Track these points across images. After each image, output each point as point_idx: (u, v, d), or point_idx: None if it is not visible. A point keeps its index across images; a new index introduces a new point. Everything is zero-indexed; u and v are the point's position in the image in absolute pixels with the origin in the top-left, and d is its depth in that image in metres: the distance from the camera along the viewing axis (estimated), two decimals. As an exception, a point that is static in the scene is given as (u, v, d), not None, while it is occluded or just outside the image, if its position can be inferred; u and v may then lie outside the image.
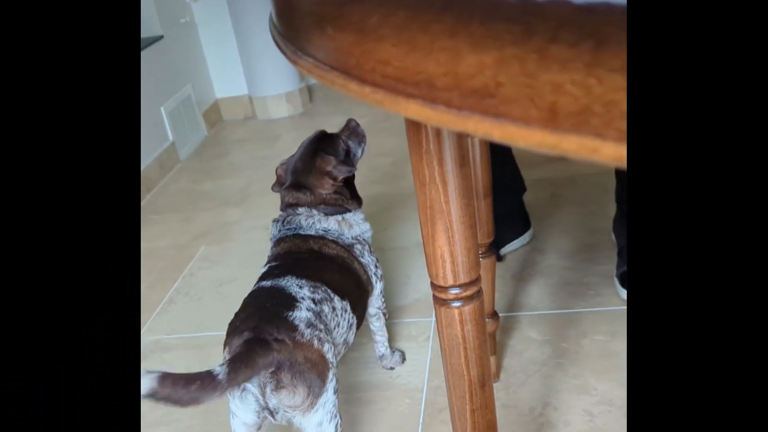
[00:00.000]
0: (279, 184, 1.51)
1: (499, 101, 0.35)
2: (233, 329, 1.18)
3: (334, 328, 1.27)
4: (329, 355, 1.19)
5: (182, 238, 2.38)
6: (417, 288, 1.87)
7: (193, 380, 1.03)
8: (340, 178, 1.44)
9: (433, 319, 1.61)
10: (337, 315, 1.29)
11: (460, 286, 0.83)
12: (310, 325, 1.18)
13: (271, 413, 1.16)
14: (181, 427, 1.53)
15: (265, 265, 1.40)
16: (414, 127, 0.74)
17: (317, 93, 3.63)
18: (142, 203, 2.69)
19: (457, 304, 0.84)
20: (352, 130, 1.55)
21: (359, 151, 1.55)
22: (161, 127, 2.93)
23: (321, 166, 1.44)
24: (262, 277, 1.34)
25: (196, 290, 2.05)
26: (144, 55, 2.85)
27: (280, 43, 0.61)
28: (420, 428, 1.42)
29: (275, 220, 1.49)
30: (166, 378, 0.98)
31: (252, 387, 1.11)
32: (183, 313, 1.95)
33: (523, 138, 0.34)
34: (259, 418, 1.16)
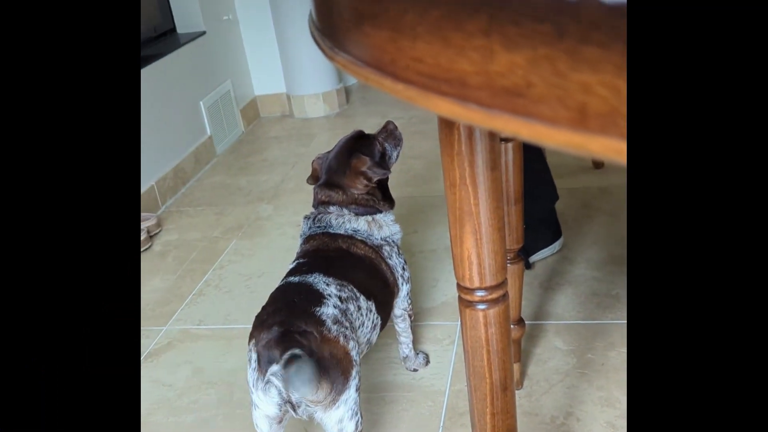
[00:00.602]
0: (313, 178, 1.53)
1: (529, 101, 0.36)
2: (260, 323, 1.19)
3: (359, 327, 1.28)
4: (353, 353, 1.20)
5: (214, 231, 2.41)
6: (444, 291, 1.87)
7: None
8: (375, 179, 1.45)
9: (459, 323, 1.61)
10: (362, 314, 1.30)
11: (486, 288, 0.83)
12: (336, 321, 1.19)
13: (293, 407, 1.17)
14: (205, 415, 1.56)
15: (294, 261, 1.41)
16: (446, 129, 0.75)
17: (354, 94, 3.65)
18: (178, 195, 2.74)
19: (482, 306, 0.84)
20: (390, 132, 1.55)
21: (395, 154, 1.55)
22: (199, 121, 2.98)
23: (356, 166, 1.45)
24: (290, 273, 1.35)
25: (225, 283, 2.08)
26: (186, 49, 2.90)
27: (318, 39, 0.62)
28: (440, 431, 1.42)
29: (306, 217, 1.50)
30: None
31: (276, 380, 1.12)
32: (212, 305, 1.98)
33: (551, 137, 0.35)
34: (281, 411, 1.17)
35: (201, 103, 2.98)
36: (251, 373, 1.15)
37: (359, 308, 1.30)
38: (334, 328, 1.18)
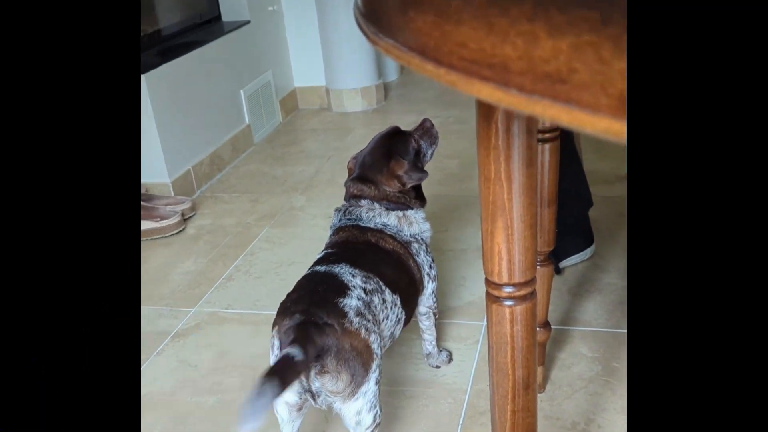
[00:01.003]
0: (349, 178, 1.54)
1: (571, 87, 0.36)
2: (284, 309, 1.20)
3: (382, 321, 1.28)
4: (375, 346, 1.20)
5: (248, 218, 2.44)
6: (471, 291, 1.87)
7: (285, 370, 1.04)
8: (410, 185, 1.45)
9: (484, 323, 1.60)
10: (386, 308, 1.30)
11: (514, 284, 0.83)
12: (359, 314, 1.20)
13: (313, 396, 1.18)
14: (228, 398, 1.58)
15: (322, 251, 1.42)
16: (484, 122, 0.75)
17: (392, 91, 3.66)
18: (213, 181, 2.77)
19: (509, 302, 0.84)
20: (426, 130, 1.55)
21: (429, 152, 1.55)
22: (239, 109, 3.01)
23: (393, 169, 1.45)
24: (318, 262, 1.36)
25: (255, 269, 2.10)
26: (230, 37, 2.93)
27: (362, 24, 0.63)
28: (459, 429, 1.42)
29: (337, 209, 1.51)
30: (277, 387, 1.00)
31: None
32: (241, 290, 2.00)
33: (591, 124, 0.35)
34: (300, 399, 1.18)
35: (241, 91, 3.01)
36: (273, 359, 1.16)
37: (384, 301, 1.30)
38: (356, 320, 1.18)
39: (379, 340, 1.23)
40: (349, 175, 1.53)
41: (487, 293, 0.86)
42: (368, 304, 1.24)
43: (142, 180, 2.54)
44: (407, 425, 1.45)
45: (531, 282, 0.84)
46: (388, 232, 1.44)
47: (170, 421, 1.53)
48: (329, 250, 1.41)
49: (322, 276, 1.29)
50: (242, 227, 2.38)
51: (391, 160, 1.45)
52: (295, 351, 1.07)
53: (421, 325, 1.58)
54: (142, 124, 2.47)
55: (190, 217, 2.48)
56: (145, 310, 1.96)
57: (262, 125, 3.19)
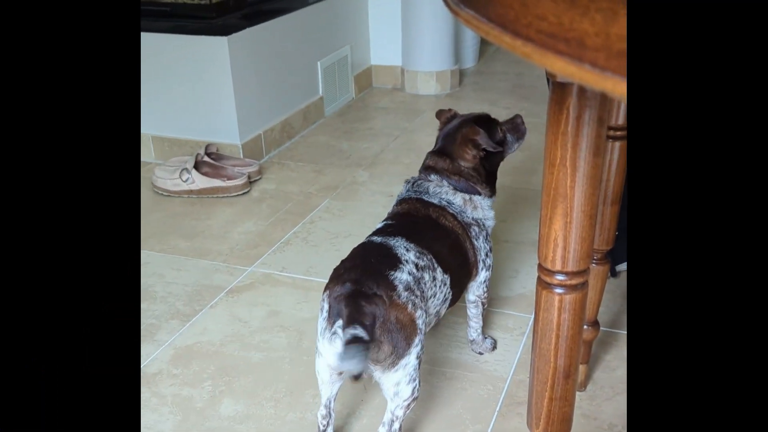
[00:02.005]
0: (442, 123, 1.56)
1: (644, 65, 0.36)
2: (336, 276, 1.23)
3: (430, 298, 1.30)
4: (420, 321, 1.22)
5: (310, 188, 2.48)
6: (523, 284, 1.87)
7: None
8: (483, 146, 1.45)
9: (533, 316, 1.60)
10: (435, 285, 1.31)
11: (566, 273, 0.83)
12: (407, 288, 1.21)
13: None
14: (273, 356, 1.63)
15: (382, 221, 1.44)
16: (556, 106, 0.75)
17: (467, 78, 3.64)
18: (282, 148, 2.83)
19: (559, 290, 0.84)
20: (515, 125, 1.55)
21: (515, 146, 1.55)
22: (314, 81, 3.06)
23: (467, 134, 1.46)
24: (375, 233, 1.38)
25: (313, 237, 2.15)
26: (313, 8, 2.97)
27: (446, -5, 0.64)
28: (495, 416, 1.43)
29: (407, 181, 1.53)
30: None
31: (341, 333, 1.15)
32: (296, 255, 2.05)
33: (659, 103, 0.35)
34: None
35: (318, 63, 3.05)
36: (321, 322, 1.20)
37: (434, 279, 1.31)
38: (404, 294, 1.20)
39: (424, 316, 1.24)
40: (434, 146, 1.55)
41: (539, 279, 0.86)
42: (418, 280, 1.25)
43: (215, 139, 2.62)
44: (444, 405, 1.46)
45: (584, 272, 0.84)
46: (451, 210, 1.45)
47: (216, 370, 1.58)
48: (388, 221, 1.43)
49: (377, 247, 1.31)
50: (304, 196, 2.43)
51: (469, 126, 1.47)
52: (359, 332, 1.11)
53: (468, 312, 1.58)
54: (221, 85, 2.54)
55: (256, 180, 2.54)
56: (203, 263, 2.02)
57: (335, 99, 3.23)
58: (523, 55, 0.45)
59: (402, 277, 1.22)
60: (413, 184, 1.50)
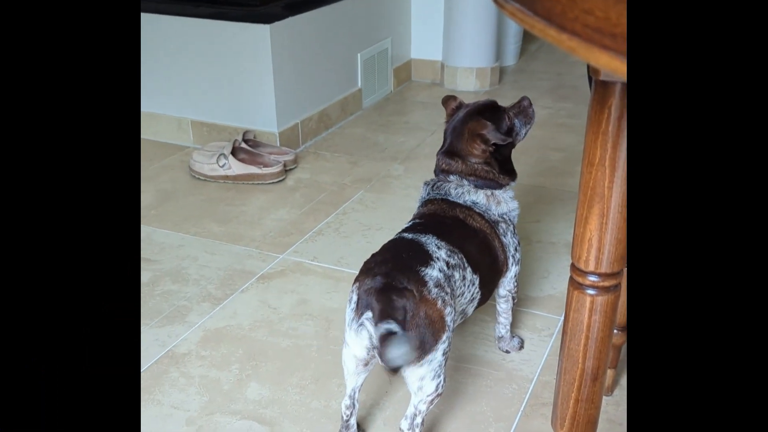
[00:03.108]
0: (447, 114, 1.52)
1: (692, 62, 0.36)
2: (367, 269, 1.23)
3: (459, 296, 1.29)
4: (448, 319, 1.21)
5: (345, 179, 2.49)
6: (554, 285, 1.85)
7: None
8: (492, 141, 1.42)
9: (562, 317, 1.59)
10: (464, 285, 1.31)
11: (600, 274, 0.82)
12: (438, 285, 1.21)
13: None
14: (301, 343, 1.64)
15: (410, 220, 1.44)
16: (597, 105, 0.74)
17: (507, 76, 3.61)
18: (318, 138, 2.84)
19: (591, 291, 0.84)
20: (523, 109, 1.51)
21: (523, 132, 1.51)
22: (353, 72, 3.06)
23: (473, 128, 1.42)
24: (405, 230, 1.37)
25: (345, 228, 2.15)
26: (354, 0, 2.97)
27: (492, -12, 0.63)
28: (519, 416, 1.42)
29: (426, 183, 1.51)
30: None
31: (369, 324, 1.15)
32: (328, 245, 2.06)
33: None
34: (368, 354, 1.21)
35: (358, 55, 3.06)
36: (349, 312, 1.20)
37: (464, 278, 1.31)
38: (434, 290, 1.19)
39: (453, 314, 1.24)
40: (443, 144, 1.51)
41: (571, 279, 0.86)
42: (449, 278, 1.25)
43: (253, 126, 2.64)
44: (468, 402, 1.46)
45: (617, 275, 0.83)
46: (477, 210, 1.44)
47: (244, 354, 1.60)
48: (417, 220, 1.42)
49: (409, 243, 1.30)
50: (338, 186, 2.44)
51: (475, 120, 1.43)
52: (393, 326, 1.11)
53: (498, 307, 1.57)
54: (261, 72, 2.56)
55: (292, 168, 2.56)
56: (236, 248, 2.05)
57: (373, 91, 3.23)
58: (569, 49, 0.44)
59: (433, 273, 1.22)
60: (433, 186, 1.48)
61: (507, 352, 1.60)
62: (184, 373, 1.55)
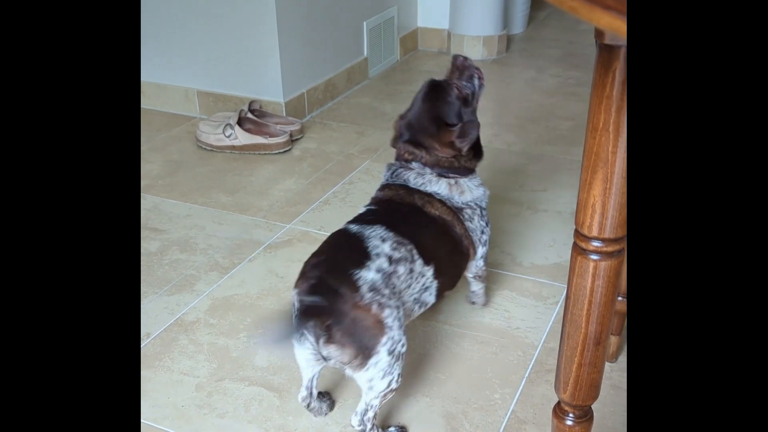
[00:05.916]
0: (396, 139, 1.46)
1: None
2: (303, 273, 1.21)
3: (404, 289, 1.25)
4: (388, 320, 1.17)
5: (351, 149, 2.49)
6: (560, 253, 1.85)
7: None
8: (465, 150, 1.38)
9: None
10: (411, 278, 1.26)
11: (603, 240, 0.83)
12: (372, 288, 1.16)
13: (326, 360, 1.19)
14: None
15: (365, 206, 1.39)
16: (602, 69, 0.74)
17: (515, 44, 3.58)
18: (324, 108, 2.83)
19: (595, 257, 0.84)
20: (460, 68, 1.44)
21: (476, 85, 1.43)
22: (359, 41, 3.04)
23: (444, 139, 1.38)
24: (354, 219, 1.33)
25: (351, 197, 2.16)
26: (362, -32, 2.94)
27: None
28: (524, 381, 1.44)
29: (388, 166, 1.45)
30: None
31: (309, 334, 1.14)
32: (334, 215, 2.06)
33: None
34: (315, 358, 1.20)
35: (364, 23, 3.03)
36: (294, 319, 1.17)
37: (411, 271, 1.26)
38: (368, 295, 1.15)
39: (395, 313, 1.18)
40: (397, 137, 1.46)
41: (574, 244, 0.86)
42: (389, 276, 1.20)
43: (259, 96, 2.63)
44: (474, 368, 1.48)
45: (620, 240, 0.83)
46: (438, 198, 1.39)
47: (252, 322, 1.62)
48: (371, 207, 1.38)
49: (349, 239, 1.26)
50: (345, 156, 2.43)
51: (440, 129, 1.38)
52: (315, 299, 1.12)
53: (470, 286, 1.59)
54: (266, 42, 2.55)
55: (298, 138, 2.56)
56: (244, 218, 2.06)
57: (380, 60, 3.21)
58: (570, 9, 0.44)
59: (367, 276, 1.17)
60: (393, 172, 1.42)
61: (473, 303, 1.63)
62: (193, 340, 1.57)
